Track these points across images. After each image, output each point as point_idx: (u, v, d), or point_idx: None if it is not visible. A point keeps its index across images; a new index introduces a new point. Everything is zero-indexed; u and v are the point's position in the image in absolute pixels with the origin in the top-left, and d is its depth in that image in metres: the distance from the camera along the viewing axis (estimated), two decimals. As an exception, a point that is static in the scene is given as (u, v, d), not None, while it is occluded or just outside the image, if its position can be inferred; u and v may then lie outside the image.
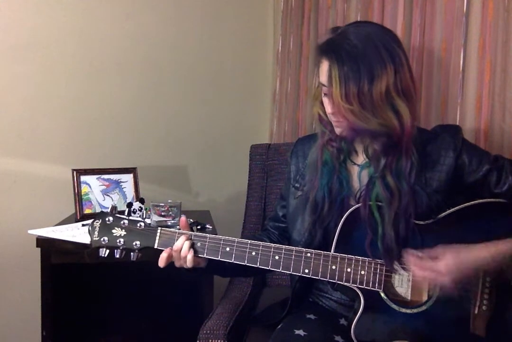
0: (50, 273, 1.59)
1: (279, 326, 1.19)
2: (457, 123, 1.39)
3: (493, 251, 1.02)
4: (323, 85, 1.09)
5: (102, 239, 1.12)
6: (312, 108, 1.23)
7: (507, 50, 1.26)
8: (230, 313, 1.37)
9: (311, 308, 1.26)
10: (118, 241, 1.12)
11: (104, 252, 1.13)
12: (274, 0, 2.30)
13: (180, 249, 1.10)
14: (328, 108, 1.10)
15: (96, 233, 1.13)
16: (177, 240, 1.12)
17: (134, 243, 1.12)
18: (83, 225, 1.69)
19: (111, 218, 1.14)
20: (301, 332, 1.12)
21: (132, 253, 1.13)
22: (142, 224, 1.13)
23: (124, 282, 1.97)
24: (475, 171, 1.13)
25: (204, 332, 1.27)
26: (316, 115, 1.21)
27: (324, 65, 1.07)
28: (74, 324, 1.84)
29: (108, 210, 1.16)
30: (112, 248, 1.13)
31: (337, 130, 1.14)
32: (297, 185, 1.28)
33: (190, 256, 1.10)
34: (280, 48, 2.21)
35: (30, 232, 1.62)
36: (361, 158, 1.20)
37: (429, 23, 1.47)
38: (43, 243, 1.58)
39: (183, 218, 1.17)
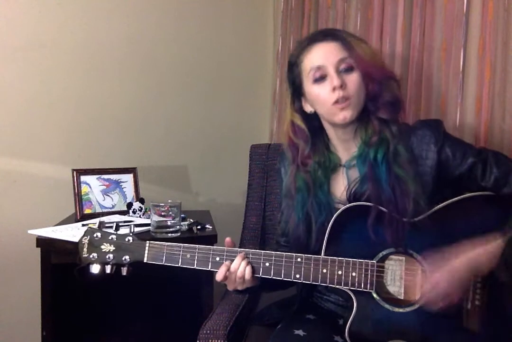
0: (50, 273, 1.58)
1: (279, 326, 1.20)
2: (457, 123, 1.39)
3: (482, 252, 1.02)
4: (321, 68, 1.18)
5: (91, 256, 1.13)
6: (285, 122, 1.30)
7: (507, 50, 1.26)
8: (230, 313, 1.37)
9: (310, 309, 1.26)
10: (107, 256, 1.13)
11: (94, 269, 1.13)
12: (274, 0, 2.30)
13: (237, 270, 1.08)
14: (335, 82, 1.12)
15: (85, 249, 1.13)
16: (166, 252, 1.11)
17: (123, 258, 1.13)
18: (83, 225, 1.69)
19: (99, 234, 1.14)
20: (300, 332, 1.12)
21: (122, 268, 1.14)
22: (131, 238, 1.13)
23: (124, 282, 1.95)
24: (460, 164, 1.12)
25: (204, 332, 1.28)
26: (288, 130, 1.27)
27: (331, 45, 1.16)
28: (74, 324, 1.84)
29: (96, 225, 1.16)
30: (102, 264, 1.13)
31: (346, 114, 1.13)
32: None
33: (248, 277, 1.08)
34: (280, 48, 2.21)
35: (30, 232, 1.62)
36: (344, 159, 1.22)
37: (429, 23, 1.47)
38: (43, 243, 1.58)
39: (227, 239, 1.14)
